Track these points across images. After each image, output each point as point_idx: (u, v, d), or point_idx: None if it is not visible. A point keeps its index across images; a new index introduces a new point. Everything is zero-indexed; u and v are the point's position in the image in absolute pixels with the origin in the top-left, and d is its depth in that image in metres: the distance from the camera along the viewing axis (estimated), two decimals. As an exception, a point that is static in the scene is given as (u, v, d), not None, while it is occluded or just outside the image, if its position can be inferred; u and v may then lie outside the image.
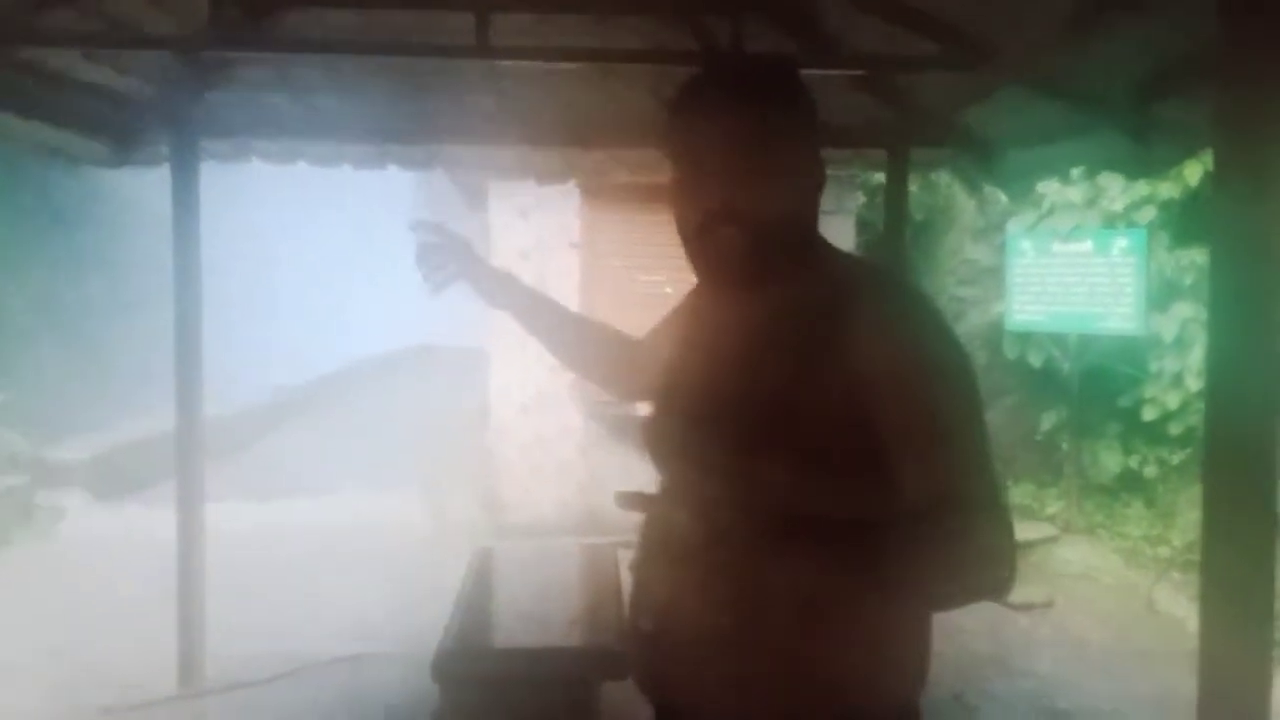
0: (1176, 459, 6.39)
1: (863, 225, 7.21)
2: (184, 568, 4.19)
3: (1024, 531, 6.62)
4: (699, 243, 1.35)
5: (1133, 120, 3.11)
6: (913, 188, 6.19)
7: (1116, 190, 6.37)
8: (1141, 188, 6.25)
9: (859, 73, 3.64)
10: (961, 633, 4.97)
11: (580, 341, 1.85)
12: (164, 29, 3.31)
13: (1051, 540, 6.48)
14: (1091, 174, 6.21)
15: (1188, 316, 6.03)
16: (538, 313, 1.83)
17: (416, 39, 3.47)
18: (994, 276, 7.33)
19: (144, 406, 8.22)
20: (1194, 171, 5.87)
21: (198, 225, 4.18)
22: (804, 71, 1.40)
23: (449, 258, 1.82)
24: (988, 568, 1.24)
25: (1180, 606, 5.20)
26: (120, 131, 4.08)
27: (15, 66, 3.25)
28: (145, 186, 7.43)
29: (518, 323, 1.83)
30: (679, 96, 1.37)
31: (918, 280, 7.51)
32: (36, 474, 7.13)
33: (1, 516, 6.53)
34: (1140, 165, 3.52)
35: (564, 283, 6.79)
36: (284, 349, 12.87)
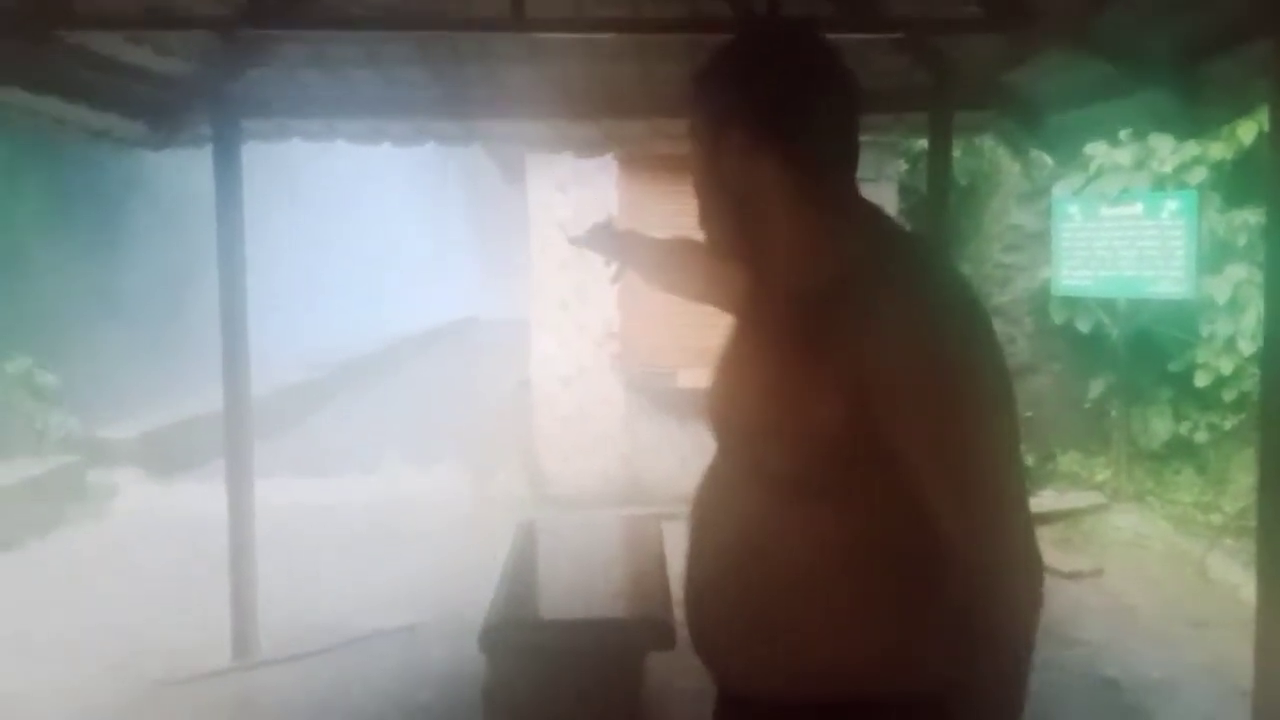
0: (1229, 424, 6.28)
1: (905, 191, 7.11)
2: (235, 543, 4.27)
3: (1072, 499, 6.56)
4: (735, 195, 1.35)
5: (1181, 79, 3.03)
6: (956, 153, 6.10)
7: (1166, 152, 6.22)
8: (1192, 148, 6.10)
9: (898, 35, 3.58)
10: (1009, 602, 4.92)
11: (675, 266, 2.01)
12: (203, 11, 3.33)
13: (1101, 508, 6.40)
14: (1140, 135, 6.07)
15: (1241, 279, 5.90)
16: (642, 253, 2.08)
17: (453, 14, 3.46)
18: (1040, 242, 7.21)
19: (195, 385, 8.34)
20: (1248, 130, 5.71)
21: (241, 204, 4.22)
22: (841, 36, 1.38)
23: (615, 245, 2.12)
24: (1012, 623, 1.23)
25: (1234, 574, 5.12)
26: (163, 113, 4.12)
27: (59, 51, 3.28)
28: (192, 167, 7.51)
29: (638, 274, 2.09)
30: (721, 52, 1.37)
31: (961, 248, 7.42)
32: (89, 453, 7.27)
33: (55, 495, 6.68)
34: (1190, 125, 3.43)
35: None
36: (330, 326, 13.00)
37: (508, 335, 9.64)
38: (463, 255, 19.91)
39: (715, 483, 1.44)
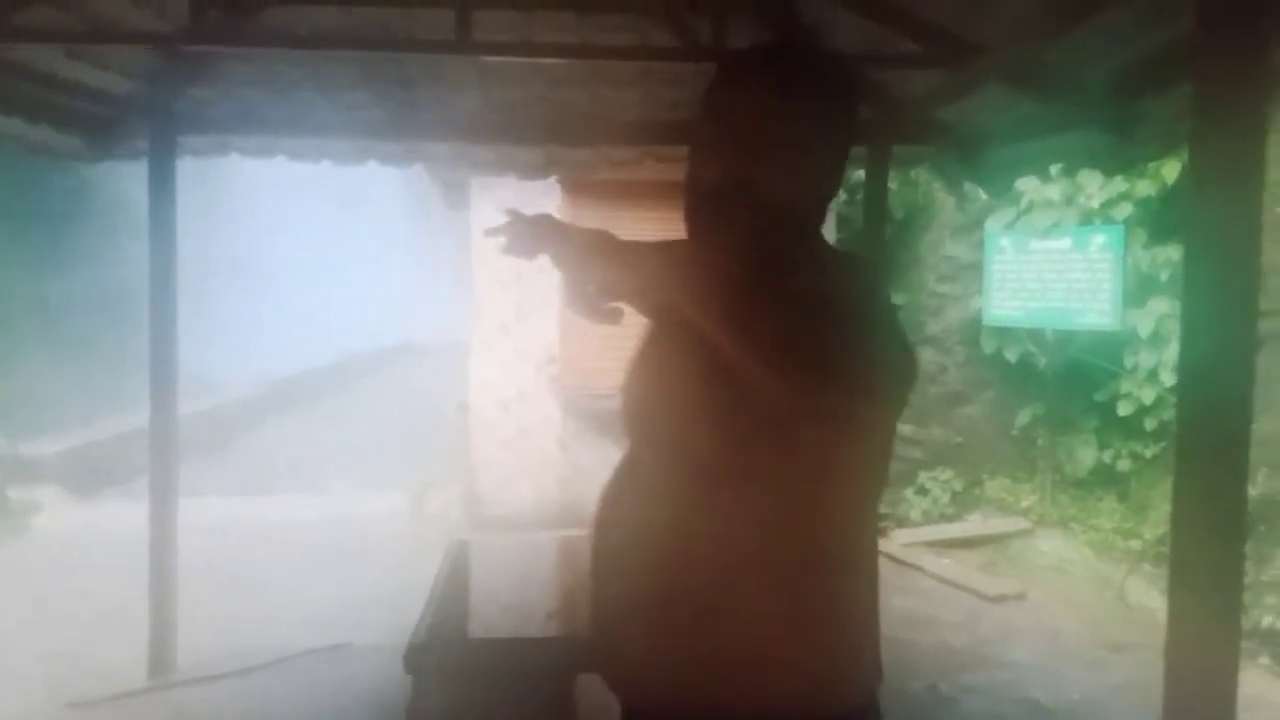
0: (1150, 453, 6.46)
1: (843, 222, 7.23)
2: (156, 561, 4.19)
3: (998, 524, 6.70)
4: (712, 200, 1.34)
5: (1111, 116, 3.14)
6: (892, 185, 6.21)
7: (1094, 187, 6.42)
8: (1119, 185, 6.30)
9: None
10: (936, 624, 5.01)
11: None
12: (147, 27, 3.30)
13: (1026, 533, 6.56)
14: (1070, 172, 6.26)
15: (1163, 312, 6.09)
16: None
17: (398, 35, 3.46)
18: (973, 273, 7.37)
19: (122, 402, 8.17)
20: (1171, 169, 5.93)
21: (174, 219, 4.16)
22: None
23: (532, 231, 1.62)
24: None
25: (1152, 598, 5.27)
26: (100, 127, 4.06)
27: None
28: (126, 182, 7.38)
29: None
30: (739, 62, 1.37)
31: (898, 277, 7.56)
32: (9, 469, 7.09)
33: (-25, 511, 6.50)
34: (1119, 161, 3.55)
35: (544, 279, 6.78)
36: (269, 344, 12.80)
37: (447, 358, 9.58)
38: (405, 277, 19.76)
39: (634, 485, 1.44)
